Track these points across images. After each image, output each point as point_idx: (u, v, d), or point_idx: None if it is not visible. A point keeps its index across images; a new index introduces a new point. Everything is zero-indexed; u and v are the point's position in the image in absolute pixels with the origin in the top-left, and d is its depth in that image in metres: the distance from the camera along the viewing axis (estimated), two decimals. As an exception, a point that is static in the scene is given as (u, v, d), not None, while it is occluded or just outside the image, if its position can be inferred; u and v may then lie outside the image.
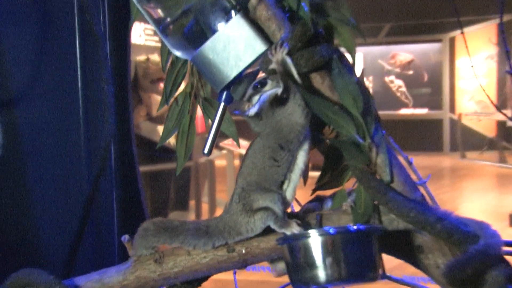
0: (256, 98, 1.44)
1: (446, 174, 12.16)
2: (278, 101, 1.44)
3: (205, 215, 7.30)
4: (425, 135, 14.69)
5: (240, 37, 1.41)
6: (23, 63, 2.60)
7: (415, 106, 15.38)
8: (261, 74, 1.47)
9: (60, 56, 2.62)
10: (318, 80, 1.43)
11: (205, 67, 1.44)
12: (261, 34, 1.42)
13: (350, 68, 1.45)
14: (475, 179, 11.21)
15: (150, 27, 7.59)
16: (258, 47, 1.42)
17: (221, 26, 1.44)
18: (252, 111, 1.44)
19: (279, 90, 1.43)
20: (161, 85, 6.10)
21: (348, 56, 1.49)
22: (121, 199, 2.76)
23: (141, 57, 6.13)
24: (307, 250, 1.30)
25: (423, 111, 15.26)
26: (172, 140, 1.69)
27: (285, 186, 1.50)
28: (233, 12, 1.42)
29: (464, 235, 1.36)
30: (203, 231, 1.51)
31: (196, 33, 1.47)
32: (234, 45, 1.41)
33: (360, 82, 1.43)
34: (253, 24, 1.42)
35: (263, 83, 1.44)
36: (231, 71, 1.42)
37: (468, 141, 13.89)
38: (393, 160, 1.45)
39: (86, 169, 2.63)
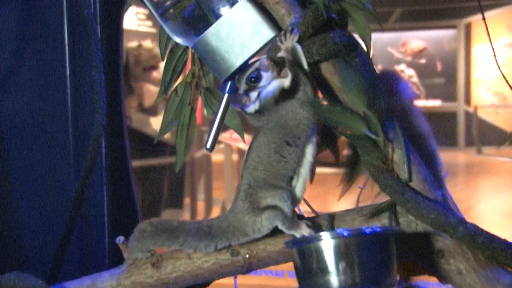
0: (254, 94, 1.43)
1: (461, 170, 12.16)
2: (284, 94, 1.43)
3: (200, 214, 7.30)
4: (438, 129, 14.58)
5: (246, 23, 1.40)
6: (4, 47, 2.58)
7: (427, 97, 15.37)
8: (265, 62, 1.46)
9: (46, 40, 2.61)
10: (330, 70, 1.43)
11: (208, 55, 1.43)
12: (269, 19, 1.41)
13: (365, 57, 1.44)
14: (492, 177, 11.21)
15: (143, 11, 7.58)
16: (265, 33, 1.41)
17: (225, 10, 1.43)
18: (252, 108, 1.43)
19: (285, 83, 1.42)
20: (154, 73, 6.10)
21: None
22: (112, 196, 2.75)
23: (133, 44, 6.12)
24: (318, 254, 1.30)
25: (436, 103, 15.25)
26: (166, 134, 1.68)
27: (294, 182, 1.49)
28: (238, -5, 1.41)
29: (489, 238, 1.36)
30: (204, 232, 1.50)
31: (198, 18, 1.46)
32: (239, 31, 1.41)
33: (370, 73, 1.42)
34: (260, 8, 1.41)
35: (256, 77, 1.43)
36: (236, 59, 1.42)
37: (484, 135, 13.88)
38: (411, 156, 1.44)
39: (75, 164, 2.63)
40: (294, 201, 1.49)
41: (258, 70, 1.42)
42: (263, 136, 1.47)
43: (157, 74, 6.13)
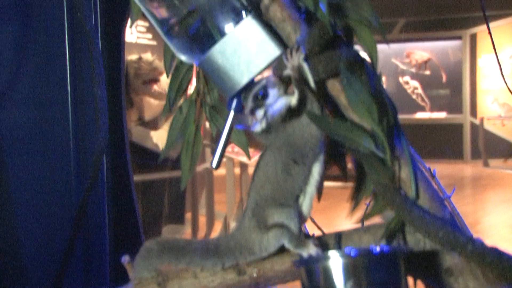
0: (261, 112, 1.44)
1: (467, 183, 12.16)
2: (291, 113, 1.44)
3: (202, 229, 7.29)
4: (444, 141, 14.70)
5: (251, 40, 1.42)
6: (4, 61, 2.59)
7: (432, 109, 15.40)
8: (272, 79, 1.47)
9: (47, 54, 2.63)
10: (337, 87, 1.44)
11: (213, 73, 1.44)
12: (275, 37, 1.43)
13: (372, 73, 1.46)
14: (499, 190, 11.20)
15: (143, 24, 7.61)
16: (271, 50, 1.42)
17: (231, 28, 1.44)
18: (259, 127, 1.45)
19: (292, 101, 1.44)
20: (154, 86, 6.11)
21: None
22: (114, 211, 2.76)
23: (133, 56, 6.14)
24: (326, 273, 1.31)
25: (441, 115, 15.28)
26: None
27: (301, 200, 1.50)
28: (244, 12, 1.42)
29: (498, 256, 1.37)
30: (212, 251, 1.51)
31: (204, 36, 1.48)
32: (245, 48, 1.42)
33: (377, 89, 1.43)
34: (266, 26, 1.43)
35: (264, 95, 1.44)
36: (242, 77, 1.43)
37: (491, 147, 13.90)
38: (418, 173, 1.45)
39: (76, 179, 2.64)
40: (301, 219, 1.50)
41: (265, 87, 1.44)
42: (270, 154, 1.48)
43: (158, 87, 6.13)
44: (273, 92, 1.44)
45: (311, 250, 1.46)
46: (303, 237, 1.48)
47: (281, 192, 1.48)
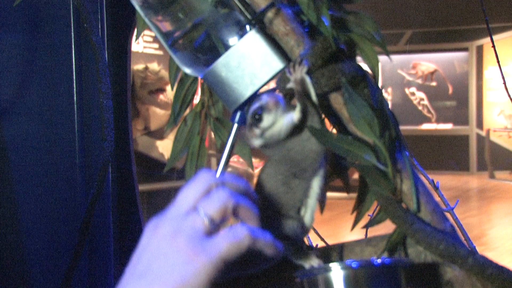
0: (258, 131, 1.45)
1: (473, 195, 12.14)
2: (293, 129, 1.46)
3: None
4: (450, 153, 14.68)
5: (255, 54, 1.43)
6: (10, 73, 2.62)
7: (438, 121, 15.39)
8: (270, 102, 1.48)
9: (53, 66, 2.65)
10: (339, 101, 1.46)
11: (217, 86, 1.46)
12: (279, 50, 1.44)
13: (374, 88, 1.47)
14: (505, 202, 11.17)
15: (149, 33, 7.63)
16: (275, 64, 1.44)
17: (235, 41, 1.46)
18: (256, 143, 1.46)
19: (295, 117, 1.44)
20: (161, 96, 6.13)
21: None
22: (119, 222, 2.77)
23: (139, 66, 6.16)
24: (328, 285, 1.32)
25: (447, 127, 15.27)
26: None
27: (302, 212, 1.51)
28: (248, 26, 1.44)
29: (498, 270, 1.38)
30: None
31: (208, 49, 1.49)
32: (249, 62, 1.43)
33: (379, 103, 1.45)
34: (269, 40, 1.44)
35: (259, 118, 1.44)
36: (246, 89, 1.45)
37: (497, 159, 13.87)
38: (420, 187, 1.46)
39: (82, 190, 2.65)
40: (303, 230, 1.51)
41: (262, 108, 1.44)
42: (270, 167, 1.49)
43: (164, 97, 6.15)
44: (268, 117, 1.43)
45: (313, 261, 1.47)
46: (305, 249, 1.50)
47: (282, 204, 1.49)
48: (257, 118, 1.44)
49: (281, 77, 1.46)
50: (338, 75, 1.43)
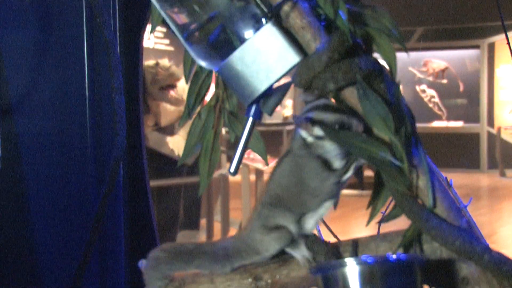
0: (319, 132, 1.44)
1: (484, 194, 12.10)
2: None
3: (217, 235, 7.30)
4: (461, 151, 14.64)
5: (271, 47, 1.43)
6: (24, 69, 2.62)
7: (449, 118, 15.35)
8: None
9: (66, 62, 2.65)
10: (355, 96, 1.45)
11: (232, 79, 1.45)
12: (295, 44, 1.44)
13: (391, 83, 1.46)
14: (516, 200, 11.14)
15: (160, 29, 7.63)
16: (291, 58, 1.43)
17: (250, 34, 1.45)
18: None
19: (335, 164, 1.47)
20: (171, 92, 6.13)
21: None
22: (130, 217, 2.77)
23: (150, 62, 6.16)
24: (343, 280, 1.31)
25: (458, 124, 15.23)
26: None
27: (308, 216, 1.52)
28: (264, 20, 1.43)
29: (515, 267, 1.37)
30: (220, 253, 1.53)
31: (223, 42, 1.49)
32: (265, 55, 1.43)
33: (396, 98, 1.44)
34: (285, 33, 1.43)
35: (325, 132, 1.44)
36: (261, 83, 1.44)
37: (508, 157, 13.83)
38: (436, 183, 1.45)
39: (93, 187, 2.65)
40: (303, 231, 1.52)
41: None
42: (287, 164, 1.50)
43: (174, 93, 6.15)
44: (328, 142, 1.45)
45: (303, 251, 1.50)
46: (301, 243, 1.51)
47: (291, 200, 1.49)
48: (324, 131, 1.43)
49: (296, 71, 1.45)
50: (355, 69, 1.42)
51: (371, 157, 1.42)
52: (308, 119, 1.43)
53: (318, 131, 1.43)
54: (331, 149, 1.45)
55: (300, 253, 1.50)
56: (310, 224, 1.53)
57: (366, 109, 1.42)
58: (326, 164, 1.46)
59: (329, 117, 1.43)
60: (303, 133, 1.45)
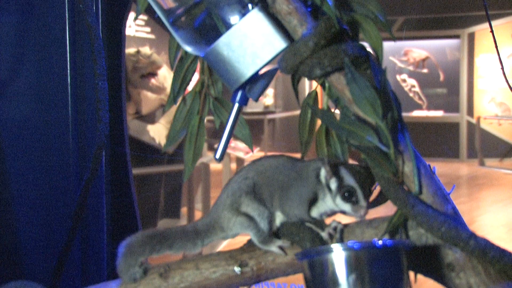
0: (335, 184, 1.46)
1: (463, 182, 12.16)
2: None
3: (198, 224, 7.28)
4: (440, 140, 14.69)
5: (257, 33, 1.42)
6: (4, 54, 2.59)
7: (429, 108, 15.38)
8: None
9: (47, 46, 2.62)
10: (342, 81, 1.44)
11: (218, 65, 1.45)
12: (281, 30, 1.43)
13: (377, 68, 1.46)
14: (495, 189, 11.20)
15: (141, 17, 7.58)
16: (277, 44, 1.43)
17: (235, 20, 1.45)
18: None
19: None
20: (152, 80, 6.10)
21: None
22: (112, 204, 2.76)
23: (131, 50, 6.12)
24: (329, 266, 1.31)
25: (438, 114, 15.26)
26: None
27: (278, 215, 1.54)
28: (250, 5, 1.43)
29: (500, 253, 1.37)
30: (190, 232, 1.56)
31: (210, 27, 1.48)
32: (251, 41, 1.42)
33: (382, 84, 1.44)
34: (272, 19, 1.43)
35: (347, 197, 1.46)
36: (247, 69, 1.44)
37: (487, 147, 13.89)
38: (422, 169, 1.45)
39: (76, 173, 2.64)
40: (271, 225, 1.53)
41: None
42: (279, 162, 1.52)
43: (156, 81, 6.12)
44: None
45: (277, 245, 1.51)
46: (272, 237, 1.53)
47: (269, 193, 1.51)
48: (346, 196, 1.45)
49: (282, 57, 1.45)
50: (341, 55, 1.41)
51: (358, 142, 1.42)
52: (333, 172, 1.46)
53: (333, 184, 1.46)
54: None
55: (274, 245, 1.52)
56: (277, 222, 1.55)
57: (354, 93, 1.42)
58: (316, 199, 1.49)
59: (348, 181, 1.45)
60: (323, 173, 1.47)
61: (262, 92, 1.47)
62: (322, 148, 1.57)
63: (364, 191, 1.43)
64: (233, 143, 7.06)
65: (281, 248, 1.51)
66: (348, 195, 1.44)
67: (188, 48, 1.48)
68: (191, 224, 1.57)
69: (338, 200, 1.45)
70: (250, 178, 1.54)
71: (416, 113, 15.38)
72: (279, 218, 1.54)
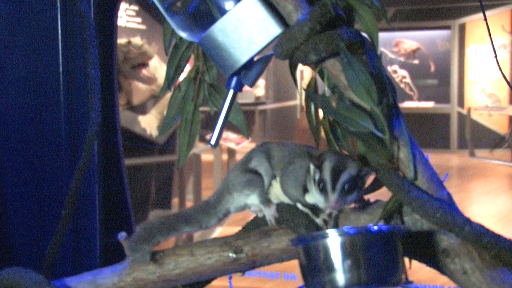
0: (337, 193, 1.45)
1: (454, 173, 12.19)
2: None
3: (189, 215, 7.27)
4: (431, 131, 14.71)
5: (252, 18, 1.42)
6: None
7: (420, 99, 15.39)
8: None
9: (39, 35, 2.61)
10: (337, 67, 1.44)
11: (213, 51, 1.44)
12: (276, 15, 1.43)
13: (372, 54, 1.46)
14: (485, 180, 11.24)
15: (132, 7, 7.56)
16: (272, 29, 1.43)
17: (230, 5, 1.44)
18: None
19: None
20: (143, 71, 6.09)
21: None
22: (104, 193, 2.76)
23: (122, 40, 6.10)
24: (324, 251, 1.31)
25: (429, 105, 15.28)
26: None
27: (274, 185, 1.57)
28: (245, -10, 1.42)
29: (495, 238, 1.38)
30: (203, 204, 1.59)
31: (205, 13, 1.48)
32: (246, 26, 1.42)
33: (377, 70, 1.44)
34: (267, 4, 1.43)
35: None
36: (242, 55, 1.43)
37: (477, 138, 13.92)
38: (417, 155, 1.46)
39: (68, 159, 2.63)
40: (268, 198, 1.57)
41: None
42: (302, 164, 1.53)
43: (146, 71, 6.11)
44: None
45: (272, 210, 1.53)
46: (272, 202, 1.55)
47: (277, 163, 1.55)
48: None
49: (277, 43, 1.44)
50: (337, 41, 1.41)
51: (353, 127, 1.42)
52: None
53: (316, 177, 1.45)
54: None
55: (270, 212, 1.54)
56: (274, 192, 1.57)
57: (349, 78, 1.42)
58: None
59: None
60: (311, 166, 1.47)
61: (257, 78, 1.47)
62: (328, 135, 1.57)
63: (335, 184, 1.42)
64: (225, 134, 7.05)
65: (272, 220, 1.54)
66: (322, 188, 1.44)
67: (183, 34, 1.47)
68: (204, 200, 1.61)
69: (316, 191, 1.45)
70: (267, 144, 1.58)
71: (407, 104, 15.38)
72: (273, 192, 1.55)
